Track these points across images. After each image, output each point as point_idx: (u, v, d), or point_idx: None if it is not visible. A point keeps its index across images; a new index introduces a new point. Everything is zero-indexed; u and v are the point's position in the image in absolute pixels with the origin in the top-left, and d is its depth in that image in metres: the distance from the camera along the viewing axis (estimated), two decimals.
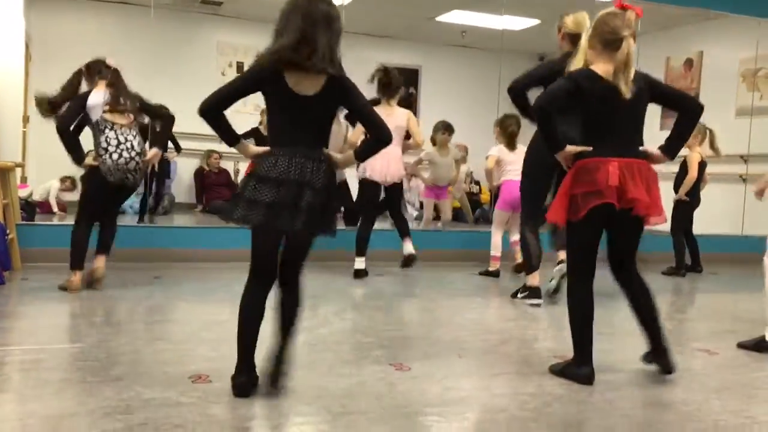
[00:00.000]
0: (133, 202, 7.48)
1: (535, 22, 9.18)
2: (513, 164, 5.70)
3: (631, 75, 2.83)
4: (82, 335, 3.35)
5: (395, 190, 5.64)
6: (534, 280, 4.70)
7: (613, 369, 3.14)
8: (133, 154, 4.35)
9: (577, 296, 2.99)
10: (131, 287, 4.48)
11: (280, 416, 2.44)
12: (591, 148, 2.87)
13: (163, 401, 2.47)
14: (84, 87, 4.50)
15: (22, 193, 6.49)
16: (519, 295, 4.77)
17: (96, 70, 4.50)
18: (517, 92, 4.39)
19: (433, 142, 7.15)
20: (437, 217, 7.68)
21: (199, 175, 9.59)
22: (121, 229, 5.58)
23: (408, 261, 5.63)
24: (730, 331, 4.11)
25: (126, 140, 4.34)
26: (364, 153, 2.73)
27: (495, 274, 5.86)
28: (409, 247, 5.60)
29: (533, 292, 4.68)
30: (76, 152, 4.43)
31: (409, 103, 8.93)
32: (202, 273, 5.26)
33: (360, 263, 5.44)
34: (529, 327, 4.06)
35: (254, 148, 2.68)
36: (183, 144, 8.45)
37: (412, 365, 3.03)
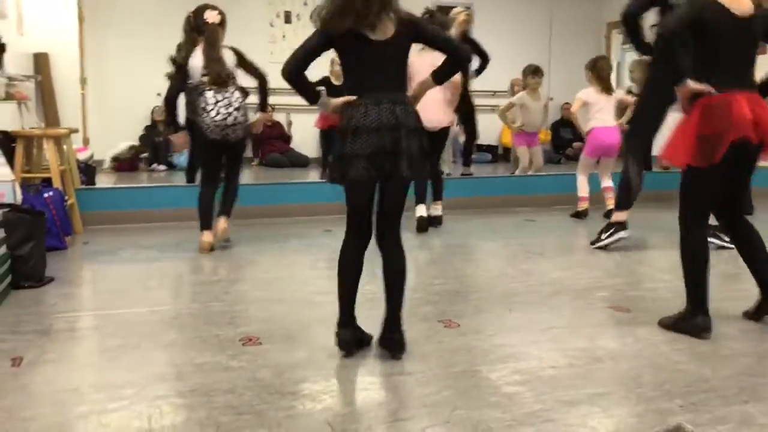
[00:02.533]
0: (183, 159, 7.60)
1: None
2: (603, 111, 5.55)
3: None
4: (139, 300, 3.43)
5: (436, 140, 4.98)
6: (623, 216, 4.53)
7: None
8: (230, 110, 4.30)
9: (694, 242, 2.86)
10: (185, 248, 4.55)
11: (325, 379, 2.46)
12: (713, 89, 2.71)
13: (213, 366, 2.53)
14: None
15: (82, 156, 6.62)
16: (603, 236, 4.58)
17: (196, 26, 4.34)
18: (632, 18, 4.06)
19: (523, 86, 6.97)
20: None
21: None
22: (180, 189, 5.70)
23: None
24: None
25: (223, 98, 4.31)
26: (441, 75, 2.67)
27: (584, 215, 5.75)
28: (437, 209, 5.40)
29: (621, 226, 4.52)
30: (174, 124, 4.55)
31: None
32: (258, 230, 5.21)
33: (421, 210, 5.26)
34: (583, 276, 3.93)
35: (338, 101, 2.61)
36: None
37: (461, 321, 3.02)
